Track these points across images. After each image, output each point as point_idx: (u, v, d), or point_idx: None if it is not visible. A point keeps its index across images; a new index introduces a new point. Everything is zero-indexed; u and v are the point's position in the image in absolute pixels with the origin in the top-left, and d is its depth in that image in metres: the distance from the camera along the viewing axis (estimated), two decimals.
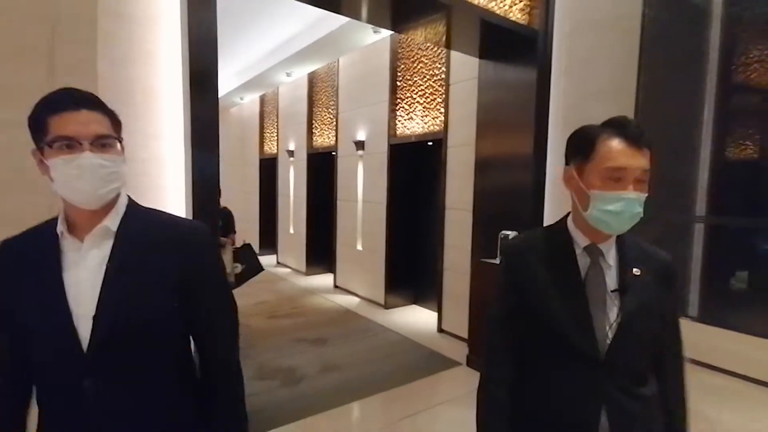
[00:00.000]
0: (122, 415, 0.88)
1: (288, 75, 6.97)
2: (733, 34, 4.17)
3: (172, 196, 1.90)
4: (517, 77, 3.57)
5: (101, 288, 0.87)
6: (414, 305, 5.43)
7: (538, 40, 3.38)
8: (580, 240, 1.05)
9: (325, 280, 6.75)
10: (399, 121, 5.18)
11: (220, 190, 2.16)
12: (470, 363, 3.62)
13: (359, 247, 5.85)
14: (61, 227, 0.90)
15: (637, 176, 0.96)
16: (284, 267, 7.90)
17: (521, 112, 3.56)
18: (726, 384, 3.35)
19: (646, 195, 0.98)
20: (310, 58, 6.15)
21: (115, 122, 0.92)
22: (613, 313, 1.00)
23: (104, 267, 0.88)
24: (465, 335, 3.97)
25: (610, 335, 0.99)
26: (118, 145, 0.90)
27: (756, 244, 4.06)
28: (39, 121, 0.85)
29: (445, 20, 3.13)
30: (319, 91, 6.79)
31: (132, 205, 0.96)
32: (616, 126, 0.98)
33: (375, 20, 3.33)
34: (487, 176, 3.81)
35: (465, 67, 4.10)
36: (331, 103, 6.43)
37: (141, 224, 0.94)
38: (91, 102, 0.87)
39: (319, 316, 5.04)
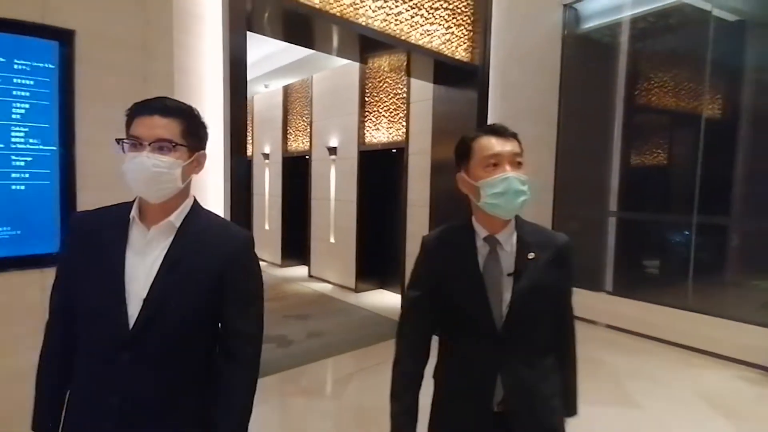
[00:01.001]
0: (148, 389, 0.96)
1: (266, 86, 7.66)
2: (636, 66, 5.31)
3: (212, 192, 2.66)
4: (462, 99, 4.50)
5: (156, 275, 0.96)
6: (381, 289, 6.30)
7: (478, 72, 4.33)
8: (481, 232, 1.17)
9: (300, 271, 7.50)
10: (367, 131, 6.04)
11: None
12: None
13: (332, 240, 6.65)
14: (134, 213, 1.00)
15: (510, 159, 1.10)
16: (260, 260, 8.55)
17: (466, 126, 4.49)
18: (627, 341, 4.46)
19: (527, 177, 1.11)
20: (286, 74, 6.89)
21: (191, 131, 1.01)
22: (508, 294, 1.12)
23: (162, 257, 0.98)
24: None
25: (505, 313, 1.12)
26: (182, 150, 0.98)
27: (655, 233, 5.18)
28: (127, 120, 0.99)
29: (406, 58, 4.03)
30: (293, 101, 7.53)
31: (196, 206, 1.07)
32: (484, 128, 1.15)
33: (344, 55, 4.18)
34: (441, 178, 4.74)
35: (422, 89, 5.01)
36: (305, 112, 7.20)
37: (199, 226, 1.04)
38: (167, 109, 0.97)
39: (299, 299, 5.82)
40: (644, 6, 4.91)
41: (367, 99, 6.02)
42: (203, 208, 1.09)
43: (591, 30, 5.36)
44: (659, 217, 5.04)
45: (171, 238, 1.00)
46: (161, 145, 0.95)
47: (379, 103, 5.86)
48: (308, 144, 7.10)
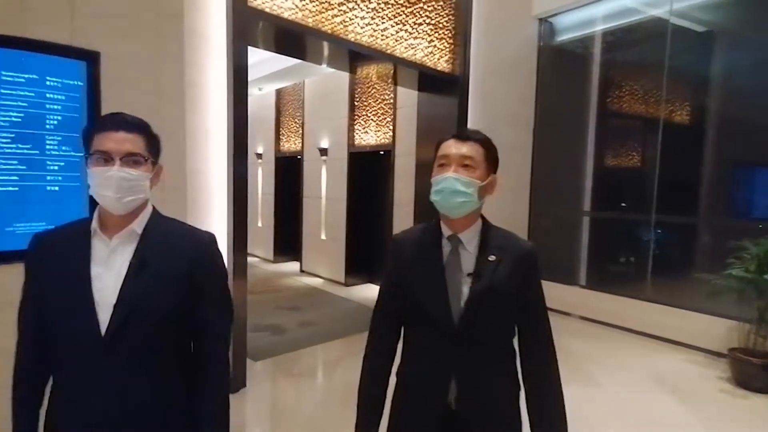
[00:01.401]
0: (128, 391, 0.99)
1: (260, 90, 7.94)
2: (607, 75, 5.70)
3: (218, 195, 2.98)
4: (444, 105, 4.85)
5: (123, 281, 0.99)
6: (369, 283, 6.64)
7: (458, 81, 4.68)
8: (445, 231, 1.19)
9: (292, 266, 7.81)
10: (357, 133, 6.37)
11: None
12: None
13: (323, 236, 6.98)
14: (94, 225, 1.03)
15: (458, 161, 1.13)
16: (253, 256, 8.85)
17: (447, 131, 4.83)
18: (597, 330, 4.86)
19: (477, 180, 1.13)
20: (279, 79, 7.18)
21: (152, 144, 1.06)
22: (466, 293, 1.13)
23: (127, 263, 1.01)
24: None
25: (462, 312, 1.13)
26: (149, 163, 1.04)
27: (623, 231, 5.57)
28: (87, 136, 1.01)
29: (392, 69, 4.36)
30: (286, 104, 7.82)
31: (155, 213, 1.10)
32: (454, 132, 1.19)
33: (334, 66, 4.50)
34: (425, 179, 5.06)
35: (408, 96, 5.36)
36: (297, 114, 7.50)
37: (161, 230, 1.08)
38: (131, 125, 1.02)
39: (292, 292, 6.13)
40: (614, 21, 5.29)
41: (356, 103, 6.35)
42: (162, 215, 1.12)
43: (565, 42, 5.73)
44: (626, 215, 5.44)
45: (134, 245, 1.03)
46: (132, 159, 1.00)
47: (368, 108, 6.20)
48: (300, 145, 7.41)
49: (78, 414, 0.99)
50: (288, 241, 8.03)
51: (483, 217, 1.23)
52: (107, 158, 0.99)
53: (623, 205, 5.57)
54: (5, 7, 2.02)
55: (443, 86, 4.74)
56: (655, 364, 3.87)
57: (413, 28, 4.27)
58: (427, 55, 4.44)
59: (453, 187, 1.11)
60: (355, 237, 6.50)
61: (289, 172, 7.89)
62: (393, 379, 1.26)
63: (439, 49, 4.55)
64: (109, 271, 1.00)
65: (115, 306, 0.98)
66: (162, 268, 1.02)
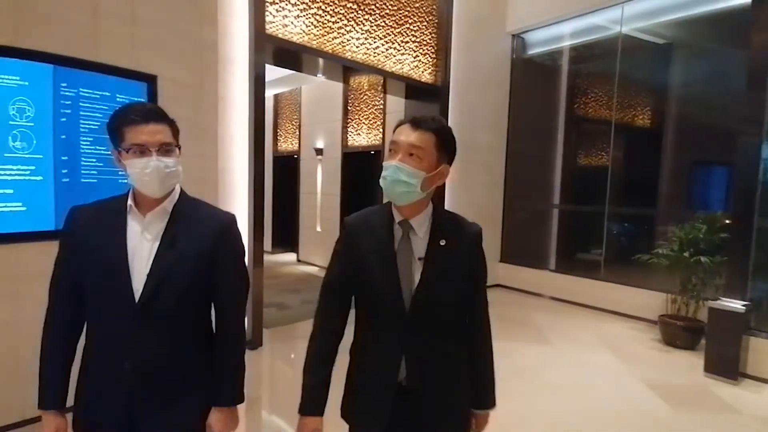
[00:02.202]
0: (155, 353, 1.11)
1: None
2: (575, 83, 6.46)
3: (240, 189, 3.64)
4: (427, 111, 5.51)
5: (156, 253, 1.11)
6: None
7: (440, 90, 5.39)
8: (396, 217, 1.19)
9: (289, 257, 8.46)
10: (350, 135, 7.06)
11: None
12: None
13: (318, 228, 7.64)
14: (130, 202, 1.13)
15: (405, 149, 1.12)
16: None
17: None
18: (562, 308, 5.62)
19: (421, 171, 1.12)
20: (277, 85, 7.82)
21: (175, 130, 1.15)
22: (417, 277, 1.16)
23: (159, 237, 1.13)
24: None
25: (413, 296, 1.15)
26: (177, 149, 1.14)
27: (585, 221, 6.32)
28: (117, 131, 1.09)
29: (382, 80, 5.05)
30: (283, 107, 8.46)
31: (183, 193, 1.21)
32: (409, 117, 1.16)
33: (332, 78, 5.18)
34: None
35: (396, 102, 6.05)
36: (294, 117, 8.15)
37: (189, 209, 1.18)
38: (157, 115, 1.12)
39: (292, 278, 6.80)
40: (580, 38, 6.04)
41: (349, 108, 7.03)
42: (189, 196, 1.23)
43: (536, 55, 6.49)
44: (589, 208, 6.21)
45: (165, 221, 1.14)
46: (166, 148, 1.10)
47: (360, 112, 6.89)
48: (297, 145, 8.06)
49: (110, 372, 1.10)
50: (285, 233, 8.66)
51: (435, 204, 1.24)
52: (143, 150, 1.07)
53: (586, 198, 6.34)
54: (82, 36, 2.65)
55: (427, 95, 5.46)
56: (602, 331, 4.64)
57: (401, 46, 4.97)
58: (412, 69, 5.14)
59: (396, 176, 1.12)
60: None
61: (286, 170, 8.52)
62: (345, 357, 1.29)
63: (423, 63, 5.26)
64: (142, 244, 1.11)
65: (147, 276, 1.09)
66: (189, 244, 1.13)
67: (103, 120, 2.76)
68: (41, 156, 2.50)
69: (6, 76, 2.37)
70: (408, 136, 1.13)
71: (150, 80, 2.90)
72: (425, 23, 5.24)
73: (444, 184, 5.93)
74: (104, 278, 1.09)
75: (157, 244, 1.12)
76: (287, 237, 8.59)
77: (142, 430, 1.11)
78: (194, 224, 1.17)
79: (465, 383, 1.26)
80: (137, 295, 1.08)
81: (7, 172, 2.41)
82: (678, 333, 4.15)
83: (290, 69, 4.86)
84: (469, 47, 5.65)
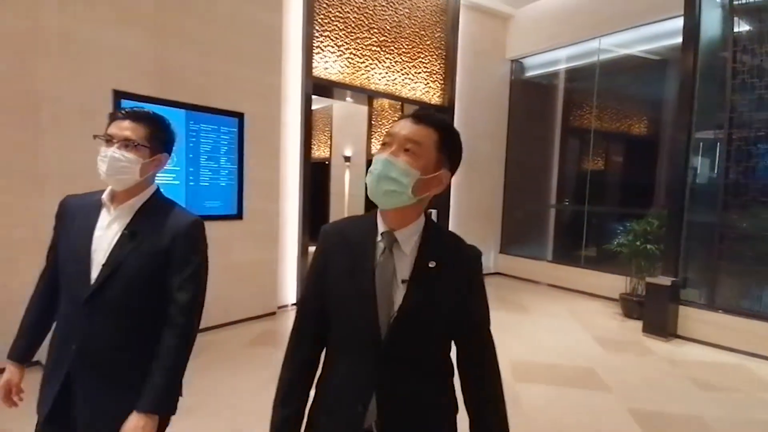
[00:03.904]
0: (100, 338, 1.18)
1: None
2: (570, 99, 7.56)
3: (291, 184, 4.94)
4: None
5: (114, 245, 1.19)
6: None
7: (446, 110, 6.60)
8: (381, 226, 1.02)
9: None
10: (373, 145, 8.33)
11: None
12: None
13: None
14: (105, 197, 1.24)
15: (400, 142, 0.96)
16: None
17: None
18: (554, 292, 6.73)
19: (416, 171, 0.95)
20: (313, 103, 9.15)
21: (154, 136, 1.25)
22: (398, 303, 0.97)
23: (121, 231, 1.21)
24: None
25: (391, 324, 0.96)
26: (144, 150, 1.22)
27: (582, 219, 7.40)
28: (108, 123, 1.24)
29: (400, 103, 6.30)
30: (317, 120, 9.78)
31: (156, 194, 1.30)
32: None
33: (356, 102, 6.45)
34: None
35: None
36: (326, 129, 9.47)
37: (156, 209, 1.27)
38: (138, 116, 1.23)
39: None
40: (574, 62, 7.13)
41: (372, 123, 8.31)
42: (163, 197, 1.30)
43: (533, 76, 7.62)
44: (577, 207, 7.30)
45: (131, 217, 1.22)
46: (129, 144, 1.19)
47: (381, 126, 8.16)
48: (328, 153, 9.38)
49: (59, 348, 1.20)
50: (316, 227, 9.93)
51: (428, 216, 1.07)
52: (109, 140, 1.18)
53: (566, 199, 7.45)
54: (200, 90, 3.96)
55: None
56: (576, 307, 5.76)
57: (414, 76, 6.21)
58: (423, 93, 6.37)
59: (384, 171, 0.95)
60: None
61: (318, 174, 9.83)
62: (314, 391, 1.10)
63: (432, 88, 6.49)
64: (105, 236, 1.20)
65: (102, 266, 1.16)
66: (146, 239, 1.19)
67: (212, 144, 4.11)
68: (178, 168, 3.86)
69: None
70: (406, 128, 0.98)
71: (239, 116, 4.24)
72: (434, 56, 6.46)
73: (450, 186, 7.12)
74: (69, 263, 1.20)
75: (117, 237, 1.19)
76: (317, 231, 9.86)
77: (76, 412, 1.17)
78: (156, 222, 1.23)
79: None
80: (92, 281, 1.17)
81: (162, 179, 3.77)
82: (633, 306, 5.25)
83: (328, 98, 6.15)
84: (472, 72, 6.84)
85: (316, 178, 10.15)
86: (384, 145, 0.99)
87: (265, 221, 4.56)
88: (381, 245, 1.01)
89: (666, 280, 4.54)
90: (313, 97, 5.10)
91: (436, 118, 1.00)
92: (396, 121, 1.03)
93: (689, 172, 4.62)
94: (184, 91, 3.84)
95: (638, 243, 5.18)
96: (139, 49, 3.57)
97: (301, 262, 5.09)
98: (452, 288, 1.01)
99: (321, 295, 1.06)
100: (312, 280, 1.10)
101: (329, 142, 9.40)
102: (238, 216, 4.29)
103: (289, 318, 4.76)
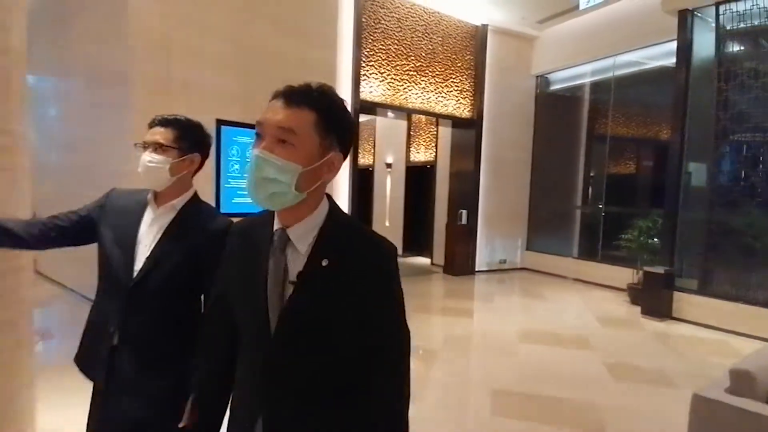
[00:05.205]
0: (137, 325, 1.28)
1: None
2: (595, 108, 8.25)
3: (342, 187, 6.07)
4: (467, 136, 7.72)
5: (156, 242, 1.30)
6: (417, 256, 9.58)
7: (475, 122, 7.53)
8: (276, 223, 0.90)
9: None
10: (411, 153, 9.38)
11: None
12: (446, 271, 7.76)
13: (387, 223, 10.02)
14: (150, 196, 1.35)
15: (274, 134, 0.81)
16: None
17: (469, 151, 7.73)
18: (577, 286, 7.49)
19: (295, 164, 0.81)
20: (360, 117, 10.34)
21: (183, 138, 1.33)
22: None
23: (163, 229, 1.31)
24: (442, 263, 8.10)
25: (275, 333, 0.87)
26: (174, 151, 1.31)
27: (600, 218, 8.08)
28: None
29: (435, 118, 7.31)
30: (363, 131, 10.97)
31: (195, 197, 1.39)
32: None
33: (396, 117, 7.52)
34: (454, 183, 7.98)
35: (445, 129, 8.27)
36: (370, 138, 10.64)
37: (195, 210, 1.36)
38: (166, 121, 1.34)
39: None
40: (596, 76, 7.83)
41: (411, 134, 9.36)
42: (200, 199, 1.40)
43: (558, 89, 8.37)
44: (597, 207, 7.97)
45: (172, 216, 1.33)
46: (159, 147, 1.30)
47: (419, 136, 9.20)
48: (372, 160, 10.53)
49: (98, 331, 1.33)
50: None
51: (332, 207, 0.91)
52: (145, 146, 1.32)
53: (600, 203, 8.13)
54: (243, 107, 5.17)
55: (466, 125, 7.62)
56: (589, 296, 6.50)
57: (446, 94, 7.20)
58: (455, 109, 7.35)
59: (260, 173, 0.81)
60: (410, 223, 9.49)
61: (362, 179, 10.96)
62: None
63: (463, 104, 7.45)
64: (149, 232, 1.32)
65: (146, 259, 1.28)
66: (185, 238, 1.30)
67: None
68: None
69: (245, 138, 4.97)
70: (276, 113, 0.82)
71: None
72: (465, 75, 7.42)
73: (479, 187, 8.01)
74: (114, 254, 1.31)
75: (160, 234, 1.31)
76: None
77: (118, 384, 1.27)
78: (195, 223, 1.33)
79: None
80: (134, 275, 1.28)
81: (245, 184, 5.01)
82: (637, 294, 5.94)
83: (372, 115, 7.27)
84: (498, 88, 7.73)
85: (361, 182, 11.34)
86: (257, 136, 0.85)
87: None
88: (276, 244, 0.89)
89: (660, 269, 5.25)
90: (360, 115, 6.21)
91: (310, 96, 0.84)
92: (272, 98, 0.86)
93: (683, 173, 5.31)
94: None
95: (642, 238, 5.88)
96: (231, 87, 4.82)
97: None
98: (349, 289, 0.85)
99: (224, 299, 1.01)
100: (218, 283, 1.05)
101: (372, 151, 10.56)
102: None
103: None
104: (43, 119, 5.94)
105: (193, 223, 1.32)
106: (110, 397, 1.28)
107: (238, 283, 0.95)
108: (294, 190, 0.82)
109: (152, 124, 1.34)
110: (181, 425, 1.07)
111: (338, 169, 0.88)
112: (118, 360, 1.27)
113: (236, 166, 5.05)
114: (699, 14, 5.29)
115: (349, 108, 0.90)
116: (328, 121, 0.84)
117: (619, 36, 6.79)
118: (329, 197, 0.93)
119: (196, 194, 1.40)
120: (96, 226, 1.34)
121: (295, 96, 0.83)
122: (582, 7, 6.61)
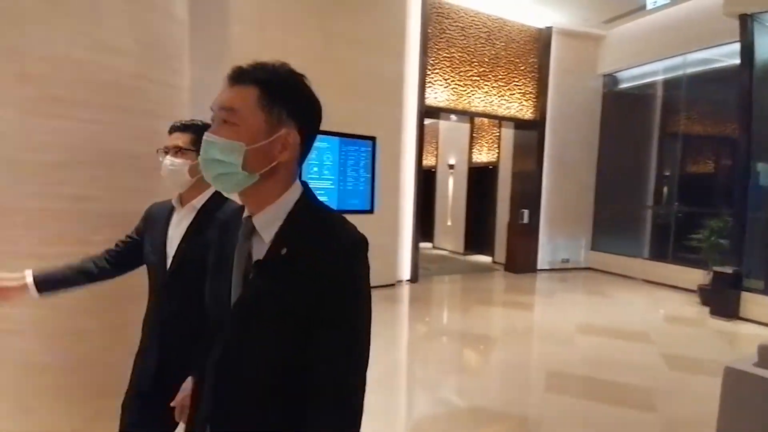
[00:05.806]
0: (174, 314, 1.41)
1: None
2: (669, 106, 8.04)
3: (407, 189, 6.56)
4: (529, 137, 7.89)
5: (181, 240, 1.42)
6: (479, 254, 9.82)
7: (538, 123, 7.68)
8: (246, 211, 0.88)
9: (425, 245, 11.33)
10: (473, 154, 9.67)
11: None
12: (507, 269, 7.98)
13: (449, 223, 10.37)
14: (175, 201, 1.48)
15: (219, 116, 0.81)
16: None
17: (531, 152, 7.89)
18: (646, 287, 7.45)
19: (238, 143, 0.79)
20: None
21: (199, 139, 1.22)
22: None
23: (186, 227, 1.43)
24: (503, 262, 8.30)
25: (231, 314, 0.85)
26: (192, 153, 1.38)
27: (671, 218, 7.88)
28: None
29: (498, 120, 7.58)
30: (427, 134, 11.37)
31: (216, 194, 1.46)
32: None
33: (459, 120, 7.86)
34: (516, 183, 8.17)
35: (506, 131, 8.48)
36: (433, 141, 11.05)
37: (214, 207, 1.44)
38: (184, 126, 1.44)
39: (429, 258, 9.63)
40: (668, 74, 7.66)
41: (474, 135, 9.65)
42: (222, 196, 1.47)
43: (627, 88, 8.23)
44: (671, 208, 7.75)
45: (193, 216, 1.44)
46: (178, 151, 1.40)
47: (481, 138, 9.47)
48: (435, 162, 10.93)
49: (150, 326, 1.49)
50: (425, 227, 11.49)
51: (303, 195, 0.87)
52: (166, 151, 1.44)
53: (676, 203, 7.92)
54: (348, 122, 5.76)
55: (528, 126, 7.80)
56: (656, 296, 6.43)
57: (509, 97, 7.44)
58: (518, 111, 7.57)
59: (206, 155, 0.81)
60: (471, 222, 9.76)
61: (426, 180, 11.38)
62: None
63: (525, 106, 7.64)
64: (176, 232, 1.45)
65: (173, 256, 1.42)
66: (202, 235, 1.37)
67: (356, 159, 5.91)
68: (333, 177, 5.73)
69: (321, 143, 5.64)
70: (221, 94, 0.82)
71: (373, 140, 5.99)
72: (528, 78, 7.61)
73: (541, 186, 8.13)
74: (151, 256, 1.47)
75: (184, 232, 1.43)
76: (426, 230, 11.45)
77: (166, 370, 1.37)
78: (213, 218, 1.39)
79: None
80: (167, 269, 1.42)
81: (320, 185, 5.66)
82: (709, 296, 5.82)
83: (436, 119, 7.70)
84: (562, 89, 7.81)
85: (425, 183, 11.77)
86: (213, 121, 0.84)
87: (389, 215, 6.22)
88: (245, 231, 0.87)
89: (729, 269, 5.17)
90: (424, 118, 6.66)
91: (253, 72, 0.81)
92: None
93: (750, 173, 5.21)
94: (338, 125, 5.68)
95: (713, 238, 5.77)
96: None
97: (413, 248, 6.68)
98: (306, 279, 0.78)
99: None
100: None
101: (436, 152, 10.96)
102: (371, 211, 6.02)
103: (405, 289, 6.38)
104: None
105: (212, 219, 1.37)
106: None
107: (211, 272, 0.94)
108: (242, 170, 0.80)
109: (172, 130, 1.46)
110: (172, 404, 1.16)
111: (295, 145, 0.83)
112: (164, 346, 1.42)
113: (315, 169, 5.76)
114: (758, 19, 5.19)
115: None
116: (273, 95, 0.80)
117: (688, 35, 6.65)
118: (305, 184, 0.89)
119: (217, 192, 1.44)
120: (141, 244, 1.50)
121: (238, 75, 0.81)
122: (649, 6, 6.58)
